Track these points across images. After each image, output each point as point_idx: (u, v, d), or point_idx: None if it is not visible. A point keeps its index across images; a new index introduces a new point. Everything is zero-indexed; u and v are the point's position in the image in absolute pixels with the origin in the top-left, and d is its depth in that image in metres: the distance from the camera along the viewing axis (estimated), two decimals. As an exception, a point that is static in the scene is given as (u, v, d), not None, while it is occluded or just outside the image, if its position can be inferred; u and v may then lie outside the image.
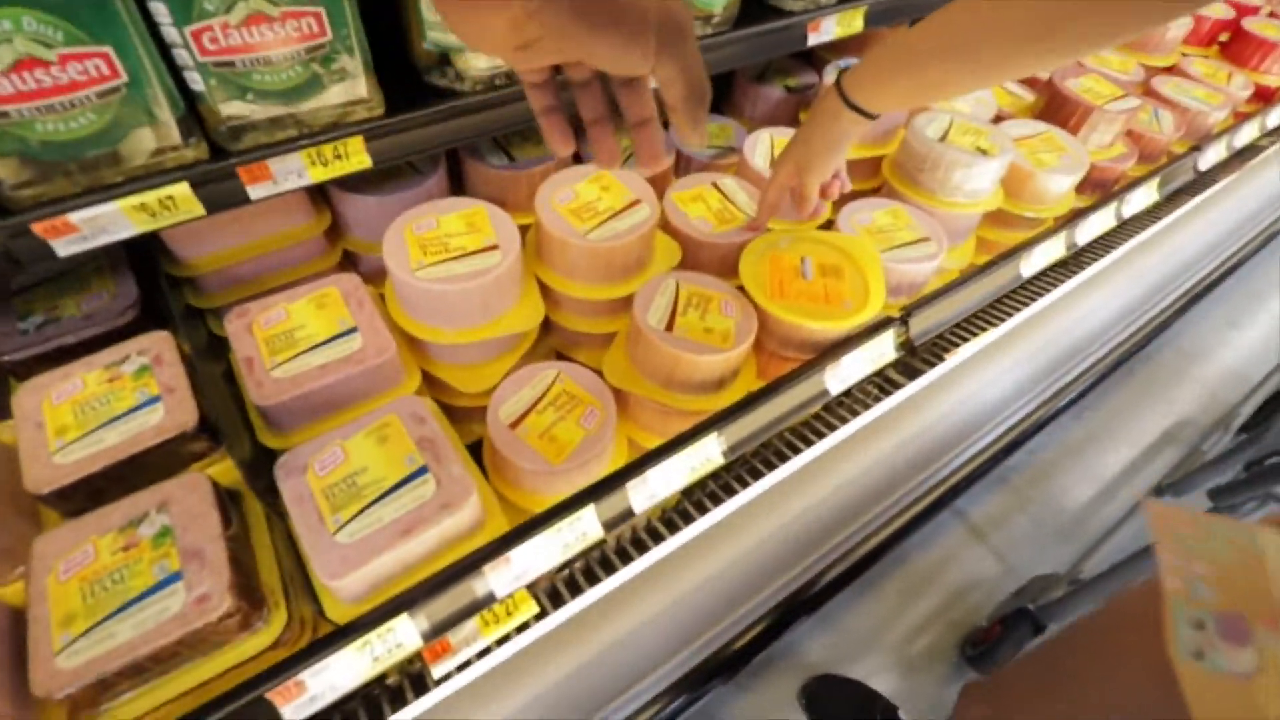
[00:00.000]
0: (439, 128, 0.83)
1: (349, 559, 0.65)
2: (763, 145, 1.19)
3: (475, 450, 0.93)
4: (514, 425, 0.87)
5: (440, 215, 0.90)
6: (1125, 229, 1.30)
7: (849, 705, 1.46)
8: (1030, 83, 1.47)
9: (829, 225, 1.16)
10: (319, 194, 1.00)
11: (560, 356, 1.11)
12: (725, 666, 0.99)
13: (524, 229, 1.00)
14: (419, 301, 0.86)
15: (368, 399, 0.85)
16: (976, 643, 1.60)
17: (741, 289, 0.96)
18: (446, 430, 0.82)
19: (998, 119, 1.31)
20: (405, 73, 0.83)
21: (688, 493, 0.92)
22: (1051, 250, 1.19)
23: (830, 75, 1.26)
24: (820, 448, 0.95)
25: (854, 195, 1.30)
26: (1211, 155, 1.48)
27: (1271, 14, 1.78)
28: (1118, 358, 1.22)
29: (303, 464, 0.72)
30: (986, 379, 1.03)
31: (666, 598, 0.91)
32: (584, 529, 0.77)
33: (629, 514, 0.80)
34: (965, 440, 1.03)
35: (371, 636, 0.65)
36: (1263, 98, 1.71)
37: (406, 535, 0.67)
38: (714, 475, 0.92)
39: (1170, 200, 1.41)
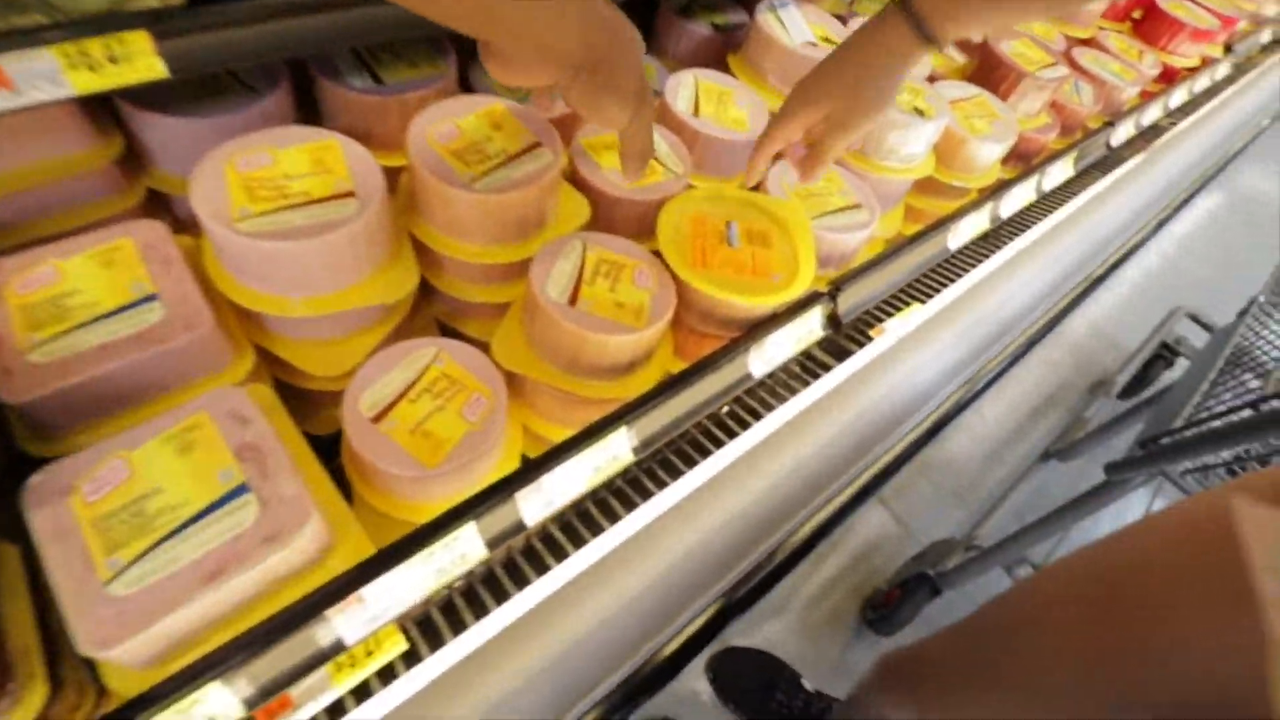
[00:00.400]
0: (266, 29, 0.63)
1: (126, 618, 0.48)
2: (686, 89, 1.05)
3: (337, 444, 0.76)
4: (379, 418, 0.70)
5: (276, 148, 0.70)
6: (1043, 203, 1.28)
7: (754, 676, 1.44)
8: (963, 44, 1.40)
9: (755, 187, 1.05)
10: (106, 112, 0.75)
11: (444, 329, 0.94)
12: (644, 688, 0.90)
13: (395, 171, 0.81)
14: (247, 262, 0.66)
15: (175, 390, 0.66)
16: (877, 606, 1.63)
17: (658, 255, 0.83)
18: (282, 431, 0.65)
19: (930, 79, 1.23)
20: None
21: (592, 493, 0.80)
22: (977, 222, 1.13)
23: (764, 14, 1.12)
24: (746, 439, 0.85)
25: (781, 153, 1.19)
26: (1122, 132, 1.49)
27: (1180, -7, 1.80)
28: (1033, 336, 1.21)
29: (65, 485, 0.53)
30: (919, 361, 0.98)
31: (573, 626, 0.80)
32: (463, 550, 0.63)
33: (520, 527, 0.67)
34: (901, 425, 0.97)
35: (169, 715, 0.49)
36: (1167, 78, 1.74)
37: (214, 580, 0.51)
38: (623, 472, 0.80)
39: (1082, 176, 1.40)
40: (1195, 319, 2.27)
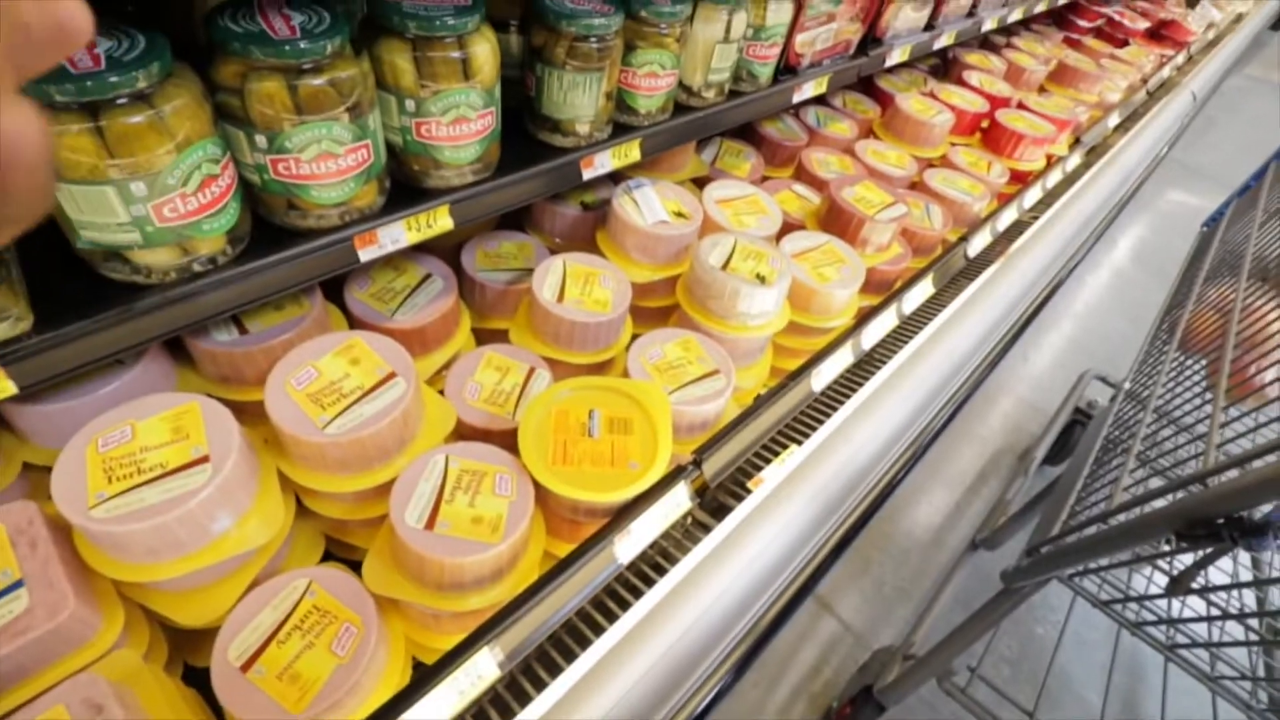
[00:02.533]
0: (115, 333, 0.69)
1: None
2: (554, 275, 1.14)
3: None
4: (248, 665, 0.73)
5: (137, 421, 0.76)
6: (909, 324, 1.38)
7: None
8: (817, 187, 1.55)
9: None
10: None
11: (331, 541, 0.98)
12: None
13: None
14: (108, 541, 0.71)
15: (38, 673, 0.68)
16: (832, 726, 1.61)
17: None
18: (147, 696, 0.67)
19: (785, 228, 1.35)
20: (74, 267, 0.69)
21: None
22: (840, 360, 1.22)
23: (620, 198, 1.24)
24: (625, 623, 0.88)
25: (649, 319, 1.29)
26: (978, 242, 1.63)
27: (1020, 104, 2.02)
28: (924, 441, 1.28)
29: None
30: (793, 510, 1.03)
31: None
32: (320, 811, 0.64)
33: (381, 774, 0.68)
34: (778, 577, 1.01)
35: None
36: (1019, 179, 1.92)
37: None
38: (501, 681, 0.83)
39: (948, 288, 1.52)
40: (1105, 381, 2.39)
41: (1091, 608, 1.14)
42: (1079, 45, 2.96)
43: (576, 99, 0.99)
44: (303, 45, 0.67)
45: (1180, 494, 0.87)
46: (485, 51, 0.82)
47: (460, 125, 0.85)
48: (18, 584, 0.69)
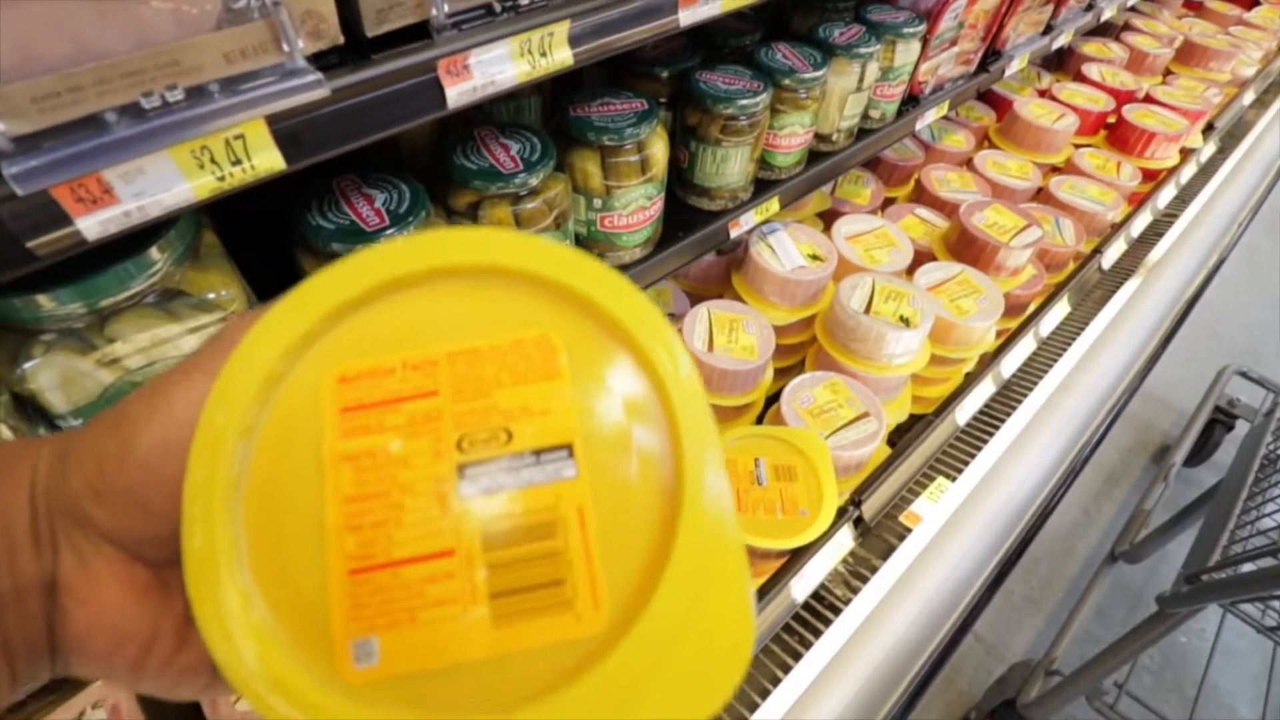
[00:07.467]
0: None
1: None
2: (701, 325, 1.23)
3: None
4: None
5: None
6: (1048, 347, 1.38)
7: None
8: (940, 208, 1.55)
9: (776, 397, 1.20)
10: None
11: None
12: None
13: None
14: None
15: None
16: (971, 739, 1.65)
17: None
18: None
19: (916, 259, 1.38)
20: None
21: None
22: (983, 391, 1.25)
23: (757, 244, 1.31)
24: (811, 663, 0.96)
25: (787, 351, 1.35)
26: (1113, 252, 1.59)
27: (1147, 97, 1.92)
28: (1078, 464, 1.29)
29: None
30: (959, 549, 1.08)
31: None
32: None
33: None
34: (950, 614, 1.06)
35: None
36: (1150, 177, 1.84)
37: None
38: None
39: (1084, 303, 1.50)
40: (1247, 376, 2.25)
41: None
42: (1201, 9, 2.75)
43: (728, 169, 1.07)
44: (527, 178, 0.78)
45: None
46: (660, 150, 0.91)
47: (637, 214, 0.94)
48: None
